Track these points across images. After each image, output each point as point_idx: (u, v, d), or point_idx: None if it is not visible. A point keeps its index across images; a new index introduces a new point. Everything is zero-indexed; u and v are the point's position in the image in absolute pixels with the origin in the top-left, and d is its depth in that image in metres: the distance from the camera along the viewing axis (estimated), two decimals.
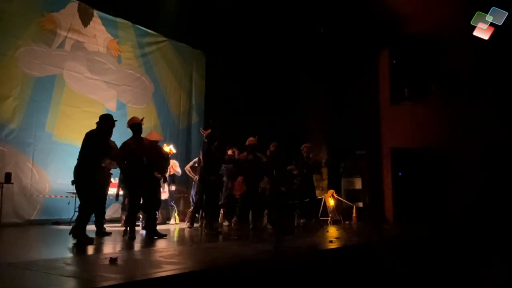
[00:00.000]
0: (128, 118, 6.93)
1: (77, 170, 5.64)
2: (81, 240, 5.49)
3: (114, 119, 6.00)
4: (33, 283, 3.26)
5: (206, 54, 12.40)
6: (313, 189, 9.23)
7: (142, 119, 6.54)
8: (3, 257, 4.36)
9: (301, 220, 9.09)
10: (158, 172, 6.67)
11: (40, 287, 3.20)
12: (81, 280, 3.39)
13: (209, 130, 7.37)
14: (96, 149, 5.75)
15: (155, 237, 6.25)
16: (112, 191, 7.87)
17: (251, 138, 8.08)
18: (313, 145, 9.58)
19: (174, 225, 8.93)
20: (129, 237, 6.19)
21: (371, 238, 6.57)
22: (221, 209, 8.78)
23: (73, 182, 5.66)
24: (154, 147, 6.82)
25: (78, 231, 5.60)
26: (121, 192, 8.01)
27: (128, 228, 6.47)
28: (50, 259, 4.26)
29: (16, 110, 8.47)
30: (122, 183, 7.89)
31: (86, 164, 5.65)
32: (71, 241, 5.80)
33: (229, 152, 8.49)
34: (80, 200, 5.74)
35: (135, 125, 6.43)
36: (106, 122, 5.90)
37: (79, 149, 5.98)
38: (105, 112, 7.05)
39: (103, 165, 6.61)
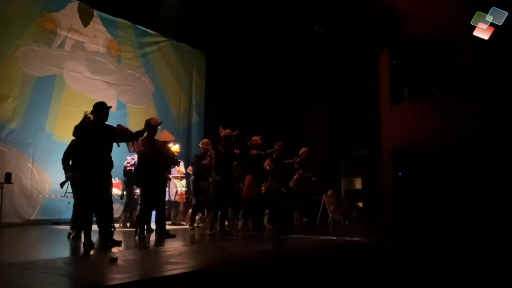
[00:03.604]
0: (128, 118, 6.93)
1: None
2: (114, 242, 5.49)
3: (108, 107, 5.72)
4: (33, 283, 3.26)
5: (206, 54, 12.40)
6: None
7: (160, 122, 6.57)
8: (3, 257, 4.37)
9: (304, 219, 9.12)
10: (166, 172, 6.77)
11: (40, 287, 3.20)
12: (81, 280, 3.39)
13: (229, 130, 7.16)
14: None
15: (164, 237, 6.24)
16: (114, 191, 7.89)
17: (255, 138, 8.04)
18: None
19: (175, 225, 8.91)
20: (139, 236, 6.20)
21: (371, 238, 6.57)
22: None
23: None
24: (164, 148, 6.85)
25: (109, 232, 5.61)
26: (117, 191, 8.07)
27: (138, 228, 6.45)
28: (50, 259, 4.27)
29: (16, 110, 8.48)
30: (125, 183, 7.95)
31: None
32: (71, 242, 5.80)
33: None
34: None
35: (151, 126, 6.37)
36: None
37: None
38: None
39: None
